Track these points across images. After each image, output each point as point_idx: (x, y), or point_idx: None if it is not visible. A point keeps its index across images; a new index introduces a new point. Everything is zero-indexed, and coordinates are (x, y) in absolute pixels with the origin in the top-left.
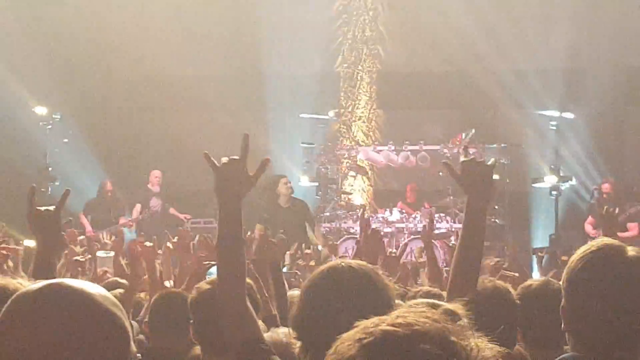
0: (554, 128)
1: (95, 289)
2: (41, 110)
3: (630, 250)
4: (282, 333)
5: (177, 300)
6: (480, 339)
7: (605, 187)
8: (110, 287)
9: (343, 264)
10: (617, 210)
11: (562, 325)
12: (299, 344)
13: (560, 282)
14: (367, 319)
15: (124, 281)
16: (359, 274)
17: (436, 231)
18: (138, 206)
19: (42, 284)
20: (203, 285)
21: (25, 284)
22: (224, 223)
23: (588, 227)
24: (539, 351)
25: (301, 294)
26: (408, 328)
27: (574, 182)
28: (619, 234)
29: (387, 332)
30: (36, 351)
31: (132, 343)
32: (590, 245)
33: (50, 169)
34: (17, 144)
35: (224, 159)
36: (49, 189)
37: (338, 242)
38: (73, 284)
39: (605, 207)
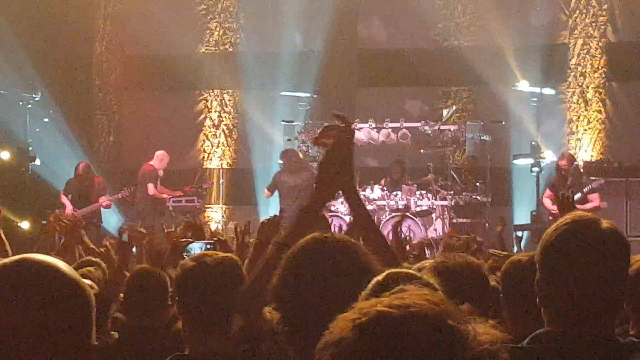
0: (535, 104)
1: (61, 263)
2: (21, 90)
3: (604, 223)
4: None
5: (153, 277)
6: (481, 323)
7: (562, 163)
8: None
9: (326, 236)
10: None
11: (537, 300)
12: (277, 315)
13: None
14: (348, 291)
15: (96, 259)
16: (341, 246)
17: (417, 208)
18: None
19: (11, 259)
20: (188, 262)
21: None
22: (299, 229)
23: (547, 202)
24: (526, 326)
25: (283, 264)
26: (404, 310)
27: (554, 158)
28: (580, 206)
29: (382, 313)
30: (3, 320)
31: (93, 314)
32: (565, 218)
33: (30, 148)
34: None
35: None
36: (30, 168)
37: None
38: (40, 258)
39: (562, 193)
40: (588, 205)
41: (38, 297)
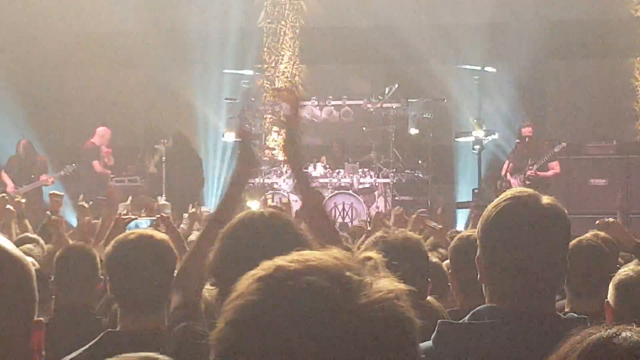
0: (477, 82)
1: (1, 239)
2: None
3: (545, 199)
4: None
5: (81, 253)
6: (385, 277)
7: (526, 130)
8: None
9: (261, 210)
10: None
11: (478, 277)
12: (215, 290)
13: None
14: None
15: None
16: (275, 220)
17: (360, 186)
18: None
19: None
20: (118, 238)
21: None
22: (229, 204)
23: (503, 169)
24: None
25: (219, 240)
26: (302, 263)
27: (496, 136)
28: (540, 173)
29: (280, 267)
30: None
31: (35, 291)
32: (505, 194)
33: None
34: None
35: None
36: None
37: (262, 199)
38: None
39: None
40: (550, 173)
41: None
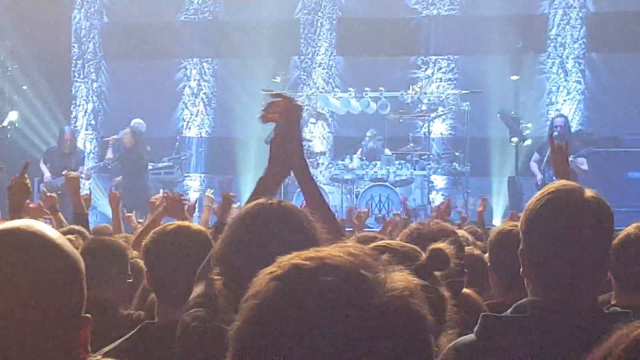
0: (515, 74)
1: (51, 231)
2: None
3: (588, 192)
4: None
5: (109, 245)
6: (400, 272)
7: (559, 120)
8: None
9: (271, 201)
10: (566, 145)
11: (521, 270)
12: (221, 279)
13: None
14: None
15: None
16: (285, 211)
17: (396, 178)
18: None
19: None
20: (158, 229)
21: None
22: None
23: (533, 166)
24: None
25: (227, 228)
26: (318, 261)
27: (531, 127)
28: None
29: (295, 265)
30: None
31: (85, 285)
32: (548, 187)
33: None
34: None
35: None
36: (7, 135)
37: (298, 190)
38: (33, 225)
39: (556, 142)
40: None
41: (29, 268)
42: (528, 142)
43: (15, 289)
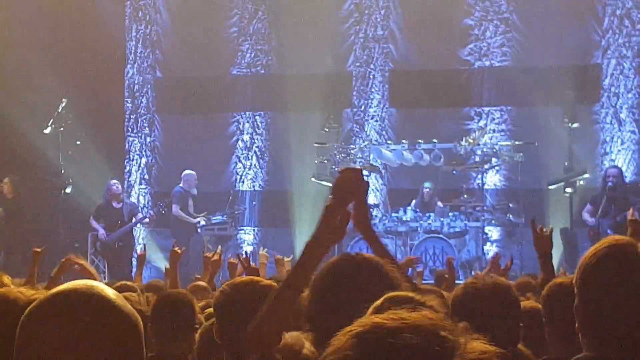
0: (568, 124)
1: (109, 291)
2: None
3: None
4: (290, 336)
5: (182, 301)
6: (476, 339)
7: (612, 171)
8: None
9: (355, 254)
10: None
11: (576, 325)
12: (311, 335)
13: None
14: None
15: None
16: (369, 264)
17: (450, 230)
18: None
19: (57, 290)
20: (229, 283)
21: (26, 293)
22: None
23: (586, 216)
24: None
25: (312, 283)
26: (398, 321)
27: (587, 175)
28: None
29: (377, 324)
30: (58, 353)
31: (143, 342)
32: (603, 242)
33: (62, 171)
34: None
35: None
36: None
37: (352, 242)
38: (86, 285)
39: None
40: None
41: (92, 327)
42: (569, 189)
43: (80, 348)
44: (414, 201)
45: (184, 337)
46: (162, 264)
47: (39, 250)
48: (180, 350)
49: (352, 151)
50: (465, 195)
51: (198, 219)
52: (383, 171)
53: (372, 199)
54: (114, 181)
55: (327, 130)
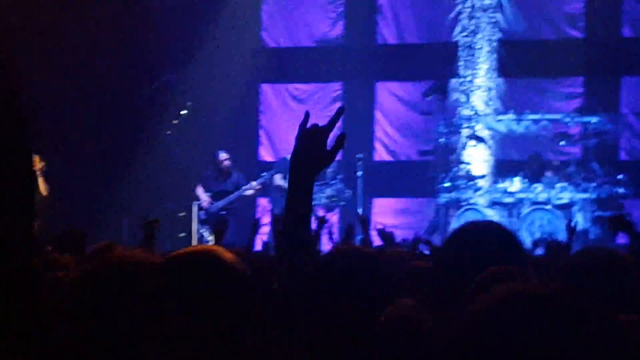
0: None
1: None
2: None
3: None
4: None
5: None
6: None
7: None
8: None
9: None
10: None
11: None
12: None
13: None
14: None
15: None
16: (502, 229)
17: (557, 202)
18: None
19: (188, 251)
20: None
21: None
22: (294, 198)
23: None
24: None
25: (451, 235)
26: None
27: None
28: None
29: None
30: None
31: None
32: None
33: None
34: None
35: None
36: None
37: (457, 213)
38: (212, 249)
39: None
40: None
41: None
42: None
43: (203, 302)
44: (521, 172)
45: None
46: None
47: (157, 221)
48: None
49: (458, 121)
50: (573, 166)
51: None
52: (490, 142)
53: (479, 170)
54: (222, 152)
55: (429, 99)
